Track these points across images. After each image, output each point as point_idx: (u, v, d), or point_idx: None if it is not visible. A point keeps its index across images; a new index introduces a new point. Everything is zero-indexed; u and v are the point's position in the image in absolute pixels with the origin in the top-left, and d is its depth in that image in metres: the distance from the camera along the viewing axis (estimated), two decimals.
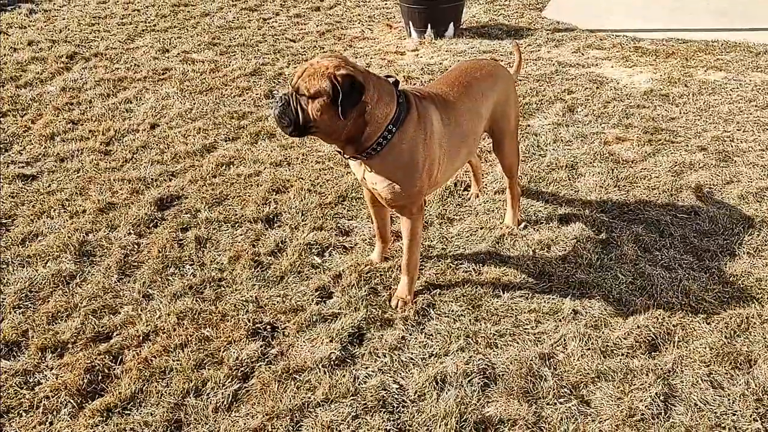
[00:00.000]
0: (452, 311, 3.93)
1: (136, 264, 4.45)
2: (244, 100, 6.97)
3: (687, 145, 5.78)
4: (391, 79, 3.46)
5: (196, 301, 4.07)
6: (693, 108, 6.51)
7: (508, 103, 4.28)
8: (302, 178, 5.42)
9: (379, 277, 4.21)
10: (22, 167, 5.66)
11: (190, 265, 4.42)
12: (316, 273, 4.30)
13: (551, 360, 3.55)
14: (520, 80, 7.19)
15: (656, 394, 3.29)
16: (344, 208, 5.00)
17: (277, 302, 4.05)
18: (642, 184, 5.20)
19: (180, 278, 4.29)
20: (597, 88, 7.04)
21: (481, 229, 4.68)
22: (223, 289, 4.19)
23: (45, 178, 5.51)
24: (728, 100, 6.64)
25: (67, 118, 6.55)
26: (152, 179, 5.46)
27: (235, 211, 5.00)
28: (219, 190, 5.29)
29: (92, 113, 6.66)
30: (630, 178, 5.29)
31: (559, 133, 6.03)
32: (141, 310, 4.01)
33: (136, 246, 4.63)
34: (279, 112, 3.30)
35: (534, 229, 4.67)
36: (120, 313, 4.01)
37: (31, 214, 4.97)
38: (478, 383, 3.41)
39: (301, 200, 5.09)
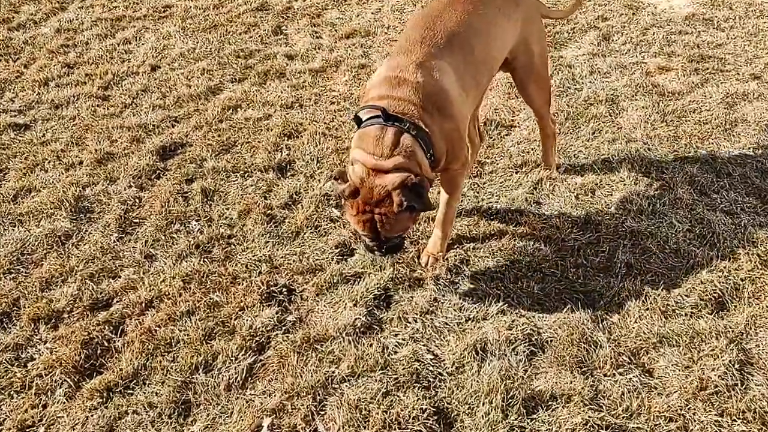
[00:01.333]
0: (489, 268, 3.50)
1: (137, 220, 4.05)
2: (251, 37, 6.44)
3: (738, 74, 5.24)
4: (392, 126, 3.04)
5: (204, 261, 3.67)
6: (741, 33, 5.92)
7: (531, 34, 3.70)
8: (316, 121, 4.95)
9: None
10: (14, 116, 5.22)
11: (197, 220, 4.01)
12: (334, 227, 3.88)
13: (605, 323, 3.14)
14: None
15: (729, 361, 2.88)
16: None
17: (293, 261, 3.64)
18: (692, 118, 4.69)
19: (185, 236, 3.89)
20: (633, 14, 6.44)
21: (516, 173, 4.22)
22: (233, 247, 3.79)
23: (39, 127, 5.08)
24: None
25: (62, 61, 6.07)
26: (154, 126, 5.01)
27: (244, 159, 4.56)
28: (226, 136, 4.84)
29: (89, 56, 6.18)
30: (678, 112, 4.78)
31: (596, 64, 5.50)
32: (143, 273, 3.62)
33: (137, 200, 4.21)
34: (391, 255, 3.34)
35: (575, 171, 4.20)
36: (120, 276, 3.62)
37: (24, 168, 4.56)
38: (524, 352, 3.01)
39: (316, 145, 4.64)
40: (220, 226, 3.95)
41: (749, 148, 4.32)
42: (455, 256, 3.58)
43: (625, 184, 4.04)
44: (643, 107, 4.83)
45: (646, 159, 4.28)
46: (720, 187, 3.99)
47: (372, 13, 6.66)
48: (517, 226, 3.79)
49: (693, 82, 5.14)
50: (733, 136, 4.47)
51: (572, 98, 5.01)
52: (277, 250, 3.73)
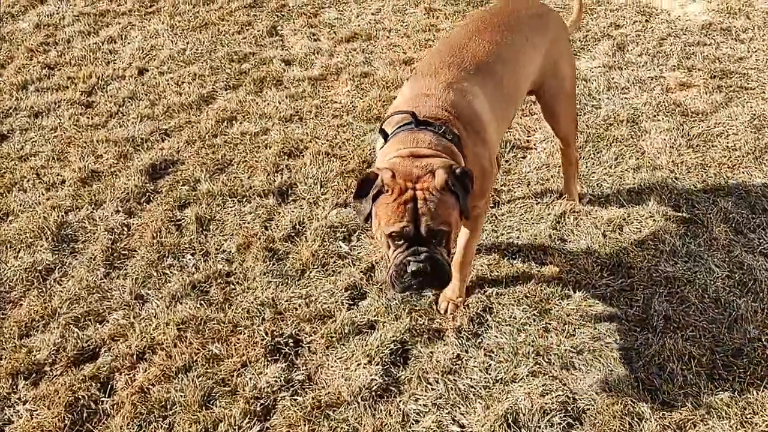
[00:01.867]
0: (514, 318, 3.21)
1: (126, 253, 3.71)
2: (244, 38, 6.07)
3: (763, 92, 4.96)
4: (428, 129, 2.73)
5: (201, 304, 3.35)
6: (761, 44, 5.64)
7: (561, 56, 3.46)
8: (318, 138, 4.62)
9: None
10: None
11: (192, 254, 3.68)
12: (343, 265, 3.56)
13: (648, 389, 2.85)
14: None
15: None
16: None
17: (300, 306, 3.32)
18: (719, 143, 4.41)
19: (179, 272, 3.55)
20: (646, 21, 6.14)
21: (537, 203, 3.92)
22: (232, 287, 3.46)
23: (17, 138, 4.70)
24: None
25: (43, 62, 5.67)
26: (142, 139, 4.65)
27: (242, 180, 4.22)
28: (221, 153, 4.49)
29: (71, 55, 5.78)
30: (703, 135, 4.49)
31: (612, 78, 5.20)
32: (134, 318, 3.29)
33: (125, 228, 3.87)
34: (430, 281, 2.66)
35: (600, 203, 3.91)
36: (108, 321, 3.29)
37: (1, 187, 4.19)
38: (560, 424, 2.73)
39: (319, 167, 4.30)
40: (218, 261, 3.62)
41: None
42: (477, 302, 3.28)
43: (654, 220, 3.76)
44: (666, 129, 4.54)
45: (675, 190, 4.00)
46: (756, 225, 3.72)
47: (372, 14, 6.30)
48: (542, 266, 3.50)
49: (717, 101, 4.85)
50: (764, 164, 4.20)
51: (591, 117, 4.71)
52: (281, 291, 3.41)
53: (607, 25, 6.02)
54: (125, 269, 3.59)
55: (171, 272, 3.56)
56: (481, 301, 3.29)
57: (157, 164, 4.39)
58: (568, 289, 3.35)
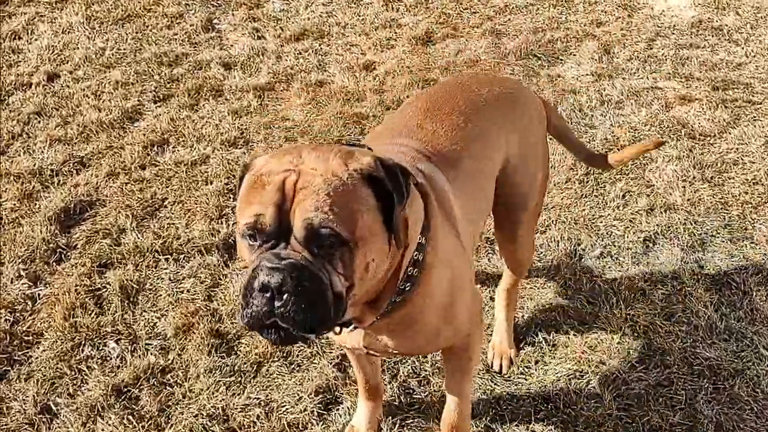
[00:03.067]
0: None
1: (29, 339, 2.90)
2: (175, 34, 5.20)
3: None
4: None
5: (128, 419, 2.58)
6: (758, 47, 5.07)
7: (531, 154, 2.46)
8: None
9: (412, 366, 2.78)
10: None
11: (116, 340, 2.89)
12: (310, 355, 2.84)
13: None
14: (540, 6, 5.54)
15: None
16: None
17: (258, 418, 2.59)
18: (736, 175, 3.82)
19: (100, 368, 2.78)
20: (629, 16, 5.50)
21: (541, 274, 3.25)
22: (169, 389, 2.71)
23: None
24: None
25: None
26: (53, 171, 3.81)
27: (177, 230, 3.43)
28: (151, 190, 3.68)
29: None
30: (717, 164, 3.89)
31: (604, 89, 4.55)
32: None
33: (29, 303, 3.06)
34: (292, 313, 1.50)
35: (613, 259, 3.27)
36: None
37: None
38: None
39: None
40: (151, 350, 2.85)
41: None
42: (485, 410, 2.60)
43: (681, 282, 3.15)
44: (676, 157, 3.92)
45: (696, 238, 3.39)
46: None
47: (323, 5, 5.51)
48: (554, 349, 2.84)
49: (724, 120, 4.26)
50: None
51: (587, 140, 4.05)
52: (234, 396, 2.67)
53: (589, 22, 5.36)
54: (28, 366, 2.79)
55: (89, 370, 2.78)
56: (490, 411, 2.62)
57: (71, 207, 3.56)
58: (594, 385, 2.70)
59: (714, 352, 2.83)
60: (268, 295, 1.48)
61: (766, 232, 3.45)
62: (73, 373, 2.77)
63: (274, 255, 1.50)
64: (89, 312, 3.00)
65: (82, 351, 2.85)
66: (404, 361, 2.78)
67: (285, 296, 1.47)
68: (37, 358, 2.83)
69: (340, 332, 1.81)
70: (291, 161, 1.55)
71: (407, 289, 1.76)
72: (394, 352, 1.98)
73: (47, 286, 3.14)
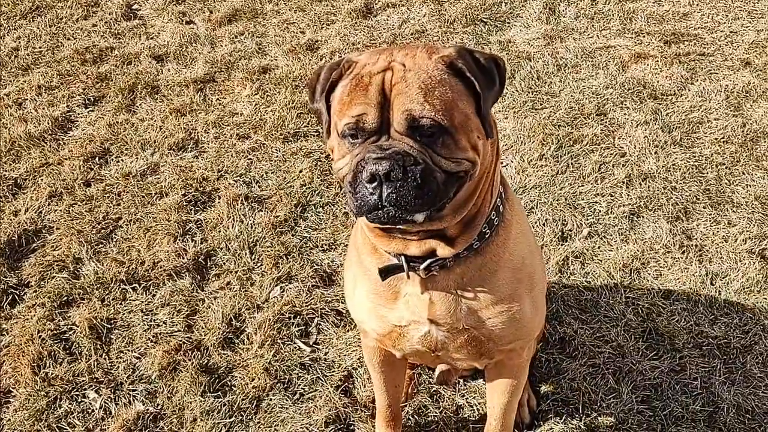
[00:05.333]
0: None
1: None
2: (94, 25, 4.79)
3: (725, 59, 4.38)
4: None
5: None
6: None
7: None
8: (226, 173, 3.59)
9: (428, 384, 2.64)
10: None
11: (96, 390, 2.64)
12: (312, 381, 2.66)
13: None
14: None
15: None
16: (310, 227, 3.27)
17: None
18: (704, 135, 3.79)
19: (83, 423, 2.54)
20: None
21: None
22: None
23: None
24: None
25: None
26: None
27: (140, 254, 3.16)
28: (101, 211, 3.38)
29: None
30: (684, 125, 3.85)
31: (557, 52, 4.44)
32: None
33: None
34: (401, 197, 1.54)
35: (601, 238, 3.19)
36: None
37: None
38: None
39: (240, 220, 3.30)
40: (136, 397, 2.61)
41: None
42: None
43: (673, 257, 3.09)
44: (643, 122, 3.85)
45: (680, 207, 3.34)
46: None
47: None
48: (570, 351, 2.75)
49: (682, 76, 4.21)
50: (759, 156, 3.61)
51: (552, 113, 3.93)
52: None
53: None
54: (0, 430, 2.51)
55: (71, 426, 2.53)
56: None
57: (15, 239, 3.23)
58: (609, 378, 2.62)
59: (719, 330, 2.79)
60: (375, 183, 1.53)
61: (744, 192, 3.42)
62: None
63: (377, 147, 1.56)
64: (59, 360, 2.72)
65: (60, 406, 2.58)
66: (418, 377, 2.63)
67: (393, 182, 1.53)
68: (9, 420, 2.55)
69: (409, 276, 1.77)
70: (385, 59, 1.61)
71: (486, 234, 1.75)
72: (462, 326, 1.83)
73: (5, 334, 2.83)
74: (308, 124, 3.87)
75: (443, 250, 1.72)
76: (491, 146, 1.69)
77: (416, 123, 1.55)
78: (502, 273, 1.81)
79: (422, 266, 1.73)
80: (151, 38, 4.63)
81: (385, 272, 1.76)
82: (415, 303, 1.82)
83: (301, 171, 3.55)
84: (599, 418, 2.54)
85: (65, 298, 2.97)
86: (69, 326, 2.85)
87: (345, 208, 3.30)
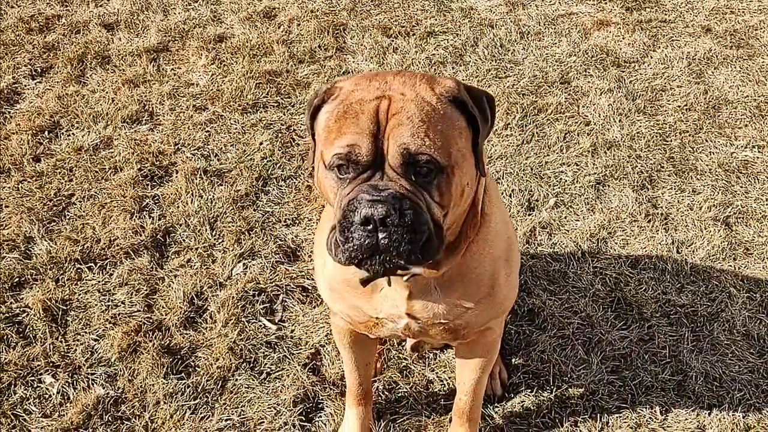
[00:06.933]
0: (530, 422, 2.45)
1: None
2: None
3: (686, 25, 4.37)
4: None
5: None
6: None
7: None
8: (183, 146, 3.47)
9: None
10: None
11: (52, 374, 2.54)
12: (279, 359, 2.59)
13: None
14: None
15: None
16: (272, 202, 3.19)
17: None
18: (667, 102, 3.78)
19: (40, 410, 2.44)
20: None
21: None
22: (128, 424, 2.40)
23: None
24: None
25: None
26: None
27: (95, 231, 3.03)
28: (53, 187, 3.24)
29: None
30: (647, 93, 3.84)
31: (520, 20, 4.38)
32: None
33: None
34: (398, 244, 1.46)
35: (567, 207, 3.16)
36: None
37: None
38: None
39: (198, 195, 3.20)
40: (95, 380, 2.52)
41: (752, 147, 3.50)
42: None
43: (639, 226, 3.08)
44: (607, 89, 3.83)
45: (645, 176, 3.33)
46: (753, 218, 3.14)
47: None
48: (540, 322, 2.73)
49: (644, 43, 4.20)
50: (724, 125, 3.62)
51: (516, 81, 3.88)
52: (204, 421, 2.41)
53: None
54: None
55: (27, 413, 2.42)
56: None
57: None
58: (578, 349, 2.61)
59: (686, 298, 2.80)
60: (370, 227, 1.44)
61: (707, 160, 3.43)
62: (8, 420, 2.40)
63: (371, 187, 1.44)
64: (12, 344, 2.61)
65: (14, 393, 2.48)
66: (387, 353, 2.58)
67: (390, 228, 1.43)
68: None
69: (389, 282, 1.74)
70: (379, 87, 1.50)
71: (469, 237, 1.71)
72: (440, 321, 1.80)
73: None
74: (267, 94, 3.76)
75: (427, 272, 1.69)
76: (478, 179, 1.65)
77: (412, 159, 1.45)
78: (483, 267, 1.78)
79: (404, 279, 1.70)
80: (101, 5, 4.44)
81: (367, 281, 1.69)
82: (393, 298, 1.77)
83: (261, 143, 3.45)
84: (570, 389, 2.52)
85: (17, 279, 2.84)
86: (22, 308, 2.73)
87: (316, 215, 3.22)
